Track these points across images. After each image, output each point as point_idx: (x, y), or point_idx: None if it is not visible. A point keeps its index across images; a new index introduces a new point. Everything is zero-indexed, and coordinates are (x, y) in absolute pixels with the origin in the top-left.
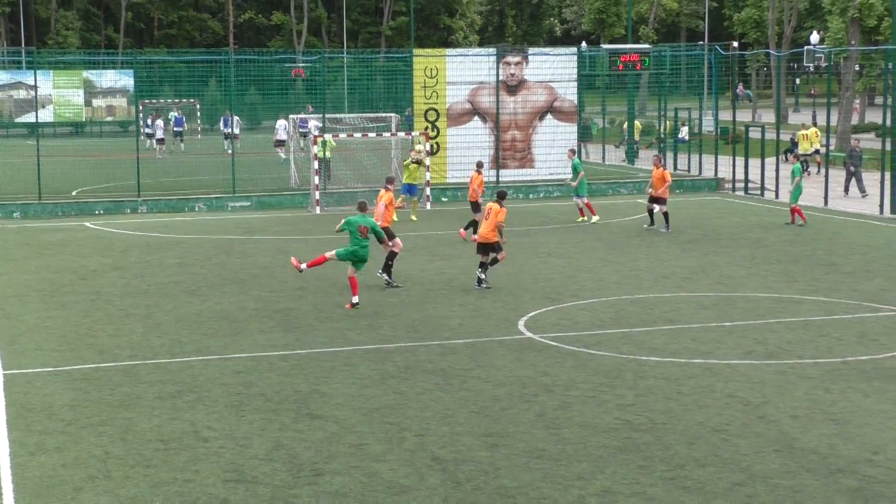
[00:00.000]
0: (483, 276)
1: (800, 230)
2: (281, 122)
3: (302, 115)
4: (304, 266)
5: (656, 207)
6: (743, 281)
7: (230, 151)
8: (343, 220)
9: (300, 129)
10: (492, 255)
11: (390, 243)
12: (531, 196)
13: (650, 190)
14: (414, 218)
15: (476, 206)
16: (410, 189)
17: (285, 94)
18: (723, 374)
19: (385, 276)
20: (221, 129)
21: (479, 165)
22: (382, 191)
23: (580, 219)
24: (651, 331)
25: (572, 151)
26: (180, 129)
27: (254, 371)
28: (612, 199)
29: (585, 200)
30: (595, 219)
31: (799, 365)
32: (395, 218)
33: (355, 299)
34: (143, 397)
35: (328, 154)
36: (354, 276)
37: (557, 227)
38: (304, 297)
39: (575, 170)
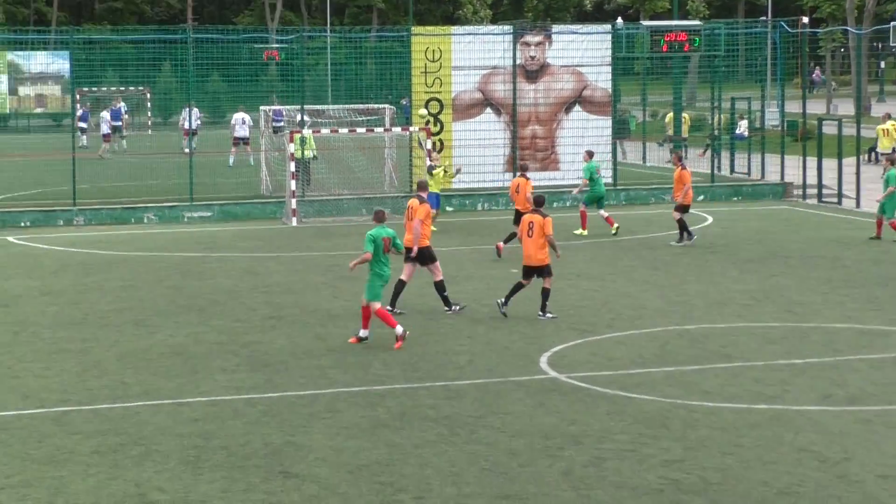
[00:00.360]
0: (504, 304)
1: (889, 247)
2: (239, 116)
3: (276, 107)
4: (364, 333)
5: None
6: (817, 309)
7: (187, 150)
8: (365, 240)
9: (274, 124)
10: (545, 287)
11: (431, 268)
12: (556, 205)
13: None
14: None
15: (520, 217)
16: (436, 199)
17: (255, 82)
18: (793, 424)
19: (451, 310)
20: (182, 125)
21: (525, 169)
22: (414, 201)
23: (613, 230)
24: (703, 370)
25: (589, 154)
26: (118, 123)
27: (214, 419)
28: (654, 208)
29: (603, 212)
30: (583, 233)
31: (888, 412)
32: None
33: (364, 333)
34: (78, 452)
35: (308, 154)
36: (371, 304)
37: (588, 242)
38: (277, 329)
39: (591, 178)
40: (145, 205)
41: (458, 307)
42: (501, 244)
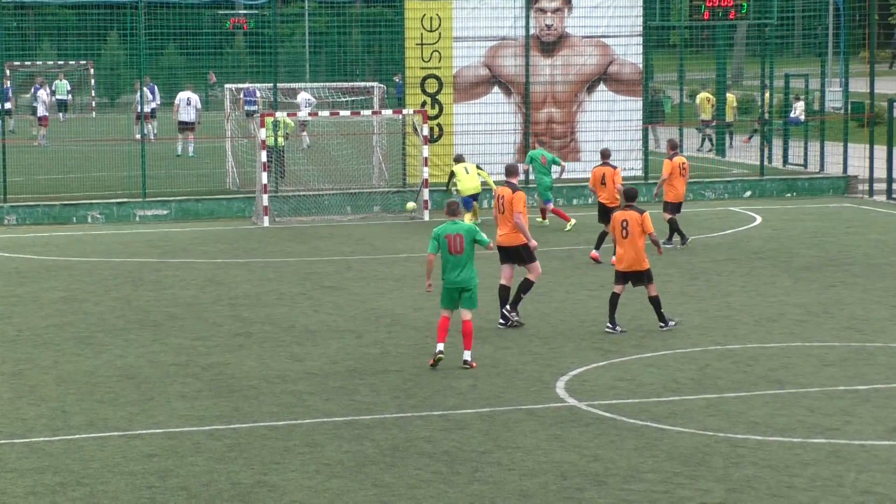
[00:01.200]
0: (614, 326)
1: None
2: (184, 96)
3: (248, 85)
4: (438, 352)
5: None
6: (884, 326)
7: (139, 137)
8: (430, 240)
9: (246, 107)
10: (652, 295)
11: (529, 268)
12: (575, 202)
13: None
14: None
15: (607, 214)
16: (468, 202)
17: (219, 55)
18: (855, 460)
19: (514, 316)
20: (136, 107)
21: (607, 156)
22: (506, 190)
23: (542, 221)
24: (749, 397)
25: (539, 142)
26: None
27: (172, 454)
28: (694, 205)
29: (550, 206)
30: (571, 224)
31: None
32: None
33: (440, 347)
34: (10, 493)
35: (282, 141)
36: (450, 316)
37: (612, 246)
38: (246, 348)
39: (537, 167)
40: (89, 201)
41: (515, 319)
42: (596, 253)
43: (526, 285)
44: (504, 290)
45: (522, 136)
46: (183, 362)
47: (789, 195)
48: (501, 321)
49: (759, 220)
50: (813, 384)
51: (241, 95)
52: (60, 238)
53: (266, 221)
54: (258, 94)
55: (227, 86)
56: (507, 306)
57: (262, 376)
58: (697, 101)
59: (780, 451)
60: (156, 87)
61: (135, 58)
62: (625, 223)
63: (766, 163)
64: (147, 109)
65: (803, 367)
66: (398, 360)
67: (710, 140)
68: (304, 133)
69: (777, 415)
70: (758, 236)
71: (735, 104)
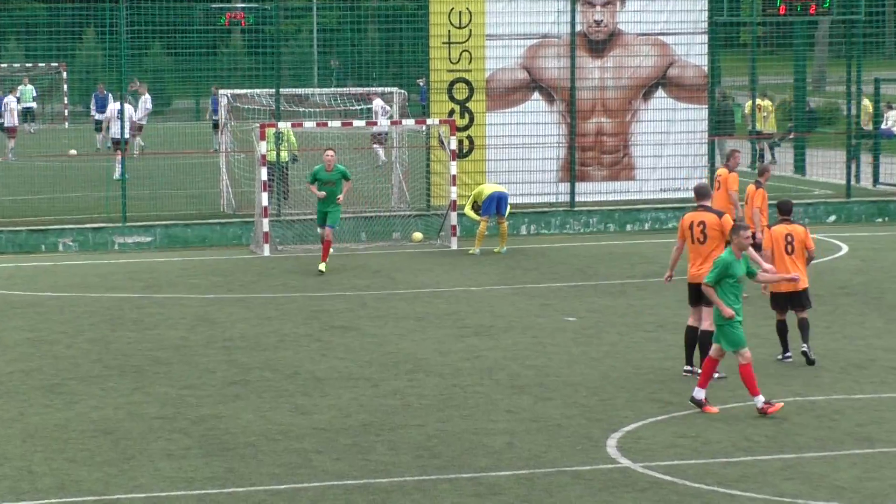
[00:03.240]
0: (788, 355)
1: None
2: (116, 107)
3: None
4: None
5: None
6: None
7: (108, 147)
8: (715, 265)
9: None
10: (800, 315)
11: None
12: (628, 227)
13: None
14: (499, 250)
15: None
16: (500, 201)
17: (213, 56)
18: None
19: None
20: (133, 117)
21: (762, 173)
22: (706, 216)
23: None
24: (834, 457)
25: None
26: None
27: None
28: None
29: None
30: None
31: None
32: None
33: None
34: None
35: (285, 156)
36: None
37: (677, 279)
38: (243, 398)
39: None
40: (60, 227)
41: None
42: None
43: (706, 340)
44: (690, 333)
45: (567, 151)
46: (169, 415)
47: (880, 220)
48: (687, 370)
49: (844, 249)
50: None
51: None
52: (27, 269)
53: (266, 250)
54: (374, 100)
55: (221, 91)
56: (696, 367)
57: (262, 432)
58: (746, 108)
59: None
60: (145, 98)
61: (114, 59)
62: (790, 238)
63: (853, 182)
64: (136, 118)
65: None
66: (421, 413)
67: (762, 155)
68: (380, 147)
69: (866, 478)
70: (844, 268)
71: (771, 110)
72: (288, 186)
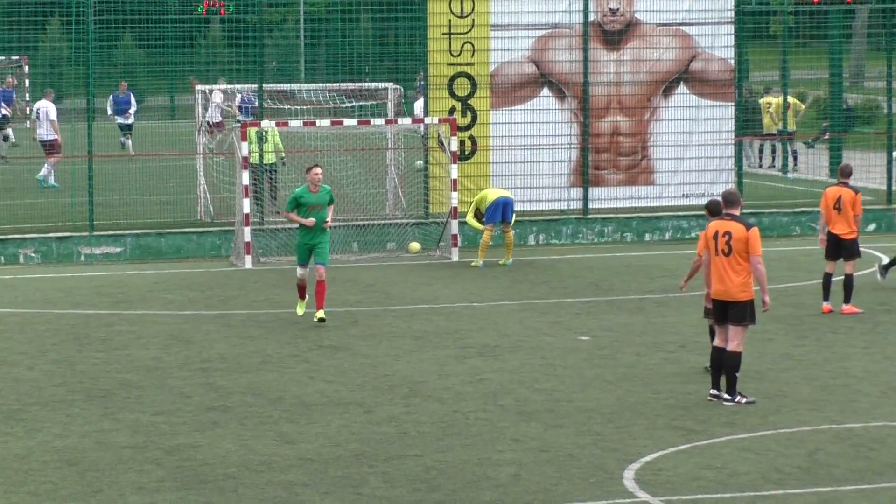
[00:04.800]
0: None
1: None
2: (40, 106)
3: (223, 87)
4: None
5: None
6: None
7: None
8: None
9: (238, 113)
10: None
11: (732, 333)
12: (647, 237)
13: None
14: (504, 262)
15: (848, 249)
16: (505, 207)
17: (190, 48)
18: None
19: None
20: (112, 114)
21: (846, 174)
22: (732, 225)
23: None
24: (873, 491)
25: None
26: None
27: None
28: (801, 242)
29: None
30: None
31: None
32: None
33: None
34: None
35: (271, 157)
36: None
37: (692, 294)
38: (223, 426)
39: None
40: (21, 236)
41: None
42: (848, 307)
43: (733, 363)
44: (717, 355)
45: (579, 153)
46: (140, 444)
47: None
48: (713, 394)
49: (885, 260)
50: None
51: (240, 99)
52: None
53: (248, 262)
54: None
55: (198, 87)
56: (723, 391)
57: (243, 462)
58: (772, 106)
59: None
60: (128, 96)
61: (81, 51)
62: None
63: (894, 187)
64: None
65: None
66: (418, 442)
67: (796, 156)
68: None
69: None
70: (884, 283)
71: (796, 107)
72: (276, 192)
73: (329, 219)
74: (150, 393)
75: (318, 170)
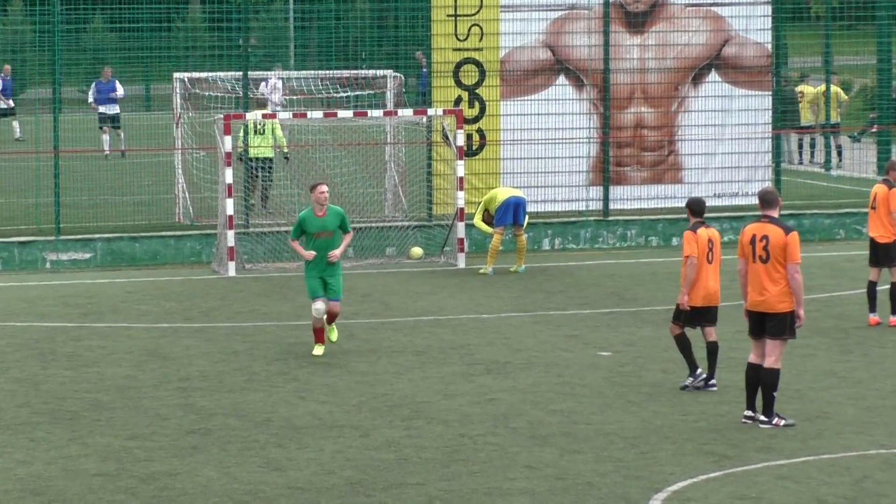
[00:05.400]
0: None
1: None
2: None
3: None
4: None
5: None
6: None
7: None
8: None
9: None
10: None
11: (770, 348)
12: (675, 241)
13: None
14: (516, 269)
15: (887, 254)
16: (517, 208)
17: (167, 31)
18: None
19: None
20: (92, 102)
21: (891, 170)
22: (769, 228)
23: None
24: None
25: None
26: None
27: None
28: (842, 247)
29: None
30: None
31: None
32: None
33: None
34: None
35: (267, 151)
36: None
37: (733, 304)
38: (203, 451)
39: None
40: None
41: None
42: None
43: (771, 381)
44: (752, 372)
45: (600, 148)
46: (112, 472)
47: None
48: (748, 416)
49: None
50: None
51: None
52: None
53: (232, 269)
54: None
55: (175, 75)
56: (760, 412)
57: (226, 492)
58: (808, 96)
59: None
60: (114, 86)
61: (46, 35)
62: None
63: None
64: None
65: None
66: (421, 469)
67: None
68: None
69: None
70: None
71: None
72: (268, 192)
73: (339, 251)
74: (123, 415)
75: (324, 188)
